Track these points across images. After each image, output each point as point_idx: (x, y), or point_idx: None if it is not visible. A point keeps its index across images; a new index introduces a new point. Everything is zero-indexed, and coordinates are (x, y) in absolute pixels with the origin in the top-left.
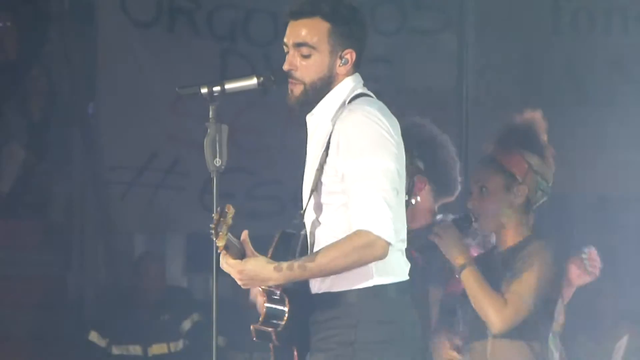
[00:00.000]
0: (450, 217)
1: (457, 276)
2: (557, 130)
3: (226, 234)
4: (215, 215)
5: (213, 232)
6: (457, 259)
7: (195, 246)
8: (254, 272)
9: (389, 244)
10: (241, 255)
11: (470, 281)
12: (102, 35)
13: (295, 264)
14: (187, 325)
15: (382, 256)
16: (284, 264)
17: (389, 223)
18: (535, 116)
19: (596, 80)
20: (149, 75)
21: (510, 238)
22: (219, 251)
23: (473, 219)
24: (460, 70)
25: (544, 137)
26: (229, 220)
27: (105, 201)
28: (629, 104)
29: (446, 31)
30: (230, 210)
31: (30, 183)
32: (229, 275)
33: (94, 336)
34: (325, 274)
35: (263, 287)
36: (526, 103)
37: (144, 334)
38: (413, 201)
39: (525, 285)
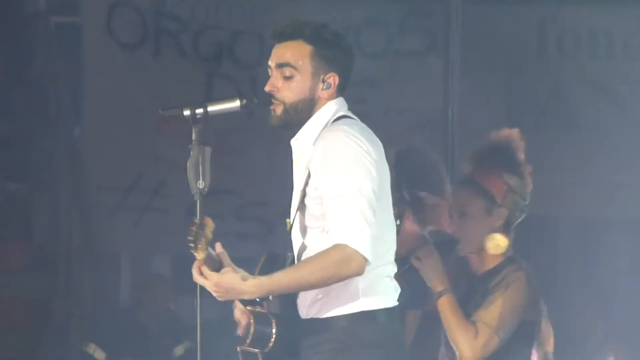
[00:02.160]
0: (427, 246)
1: (434, 302)
2: (542, 152)
3: (205, 248)
4: (193, 227)
5: (192, 244)
6: (436, 286)
7: (181, 268)
8: (230, 284)
9: (366, 259)
10: (218, 267)
11: (446, 309)
12: (88, 56)
13: (273, 277)
14: (179, 351)
15: (359, 272)
16: (261, 278)
17: (366, 238)
18: (513, 134)
19: (582, 102)
20: (135, 96)
21: (490, 261)
22: (198, 265)
23: (456, 243)
24: (446, 92)
25: (522, 155)
26: (209, 234)
27: (91, 223)
28: (615, 126)
29: (432, 53)
30: (209, 224)
31: (16, 204)
32: (214, 298)
33: (91, 348)
34: (302, 287)
35: (249, 308)
36: (512, 125)
37: (134, 357)
38: (398, 222)
39: (496, 315)
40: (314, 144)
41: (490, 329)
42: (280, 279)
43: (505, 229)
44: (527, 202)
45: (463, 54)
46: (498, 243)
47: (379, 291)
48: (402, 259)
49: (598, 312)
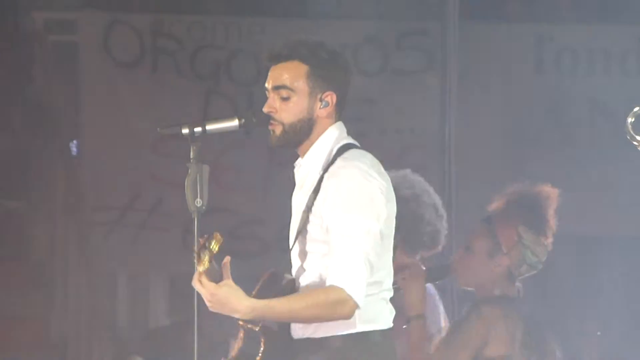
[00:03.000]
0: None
1: (404, 326)
2: (539, 169)
3: (209, 261)
4: (201, 240)
5: (196, 256)
6: (411, 310)
7: (179, 287)
8: (225, 299)
9: (357, 305)
10: (218, 279)
11: (415, 334)
12: (85, 75)
13: (269, 303)
14: None
15: (348, 316)
16: (257, 301)
17: (363, 285)
18: (550, 192)
19: (579, 120)
20: (132, 115)
21: None
22: (199, 277)
23: (450, 272)
24: (443, 110)
25: (550, 215)
26: (215, 248)
27: (88, 241)
28: (612, 143)
29: (429, 71)
30: (218, 238)
31: (13, 222)
32: (212, 318)
33: None
34: (292, 320)
35: (241, 323)
36: (509, 143)
37: None
38: None
39: (450, 351)
40: (319, 170)
41: None
42: (273, 307)
43: (509, 278)
44: (540, 260)
45: (460, 72)
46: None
47: (375, 315)
48: None
49: (594, 330)
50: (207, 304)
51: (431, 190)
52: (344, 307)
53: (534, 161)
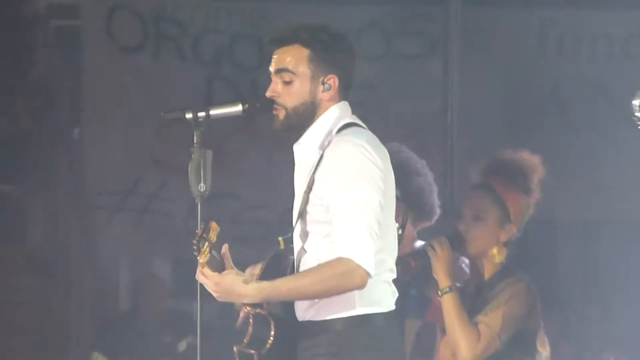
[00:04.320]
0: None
1: (438, 297)
2: (541, 154)
3: (208, 251)
4: (198, 231)
5: (195, 247)
6: (444, 281)
7: (181, 271)
8: (230, 286)
9: (368, 274)
10: (221, 268)
11: (450, 306)
12: (88, 60)
13: (274, 283)
14: (182, 346)
15: (361, 286)
16: (262, 283)
17: (370, 254)
18: (533, 159)
19: (581, 104)
20: (134, 100)
21: (487, 270)
22: (201, 269)
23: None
24: (445, 95)
25: (536, 181)
26: (213, 237)
27: (90, 226)
28: (614, 128)
29: (431, 56)
30: (215, 228)
31: (15, 207)
32: (214, 301)
33: (97, 357)
34: (302, 297)
35: (249, 309)
36: (511, 128)
37: (137, 357)
38: (400, 231)
39: (499, 320)
40: (318, 149)
41: (493, 332)
42: (280, 287)
43: (507, 246)
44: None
45: (462, 57)
46: (496, 253)
47: (376, 297)
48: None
49: (597, 314)
50: (214, 294)
51: (424, 162)
52: (354, 277)
53: (536, 145)
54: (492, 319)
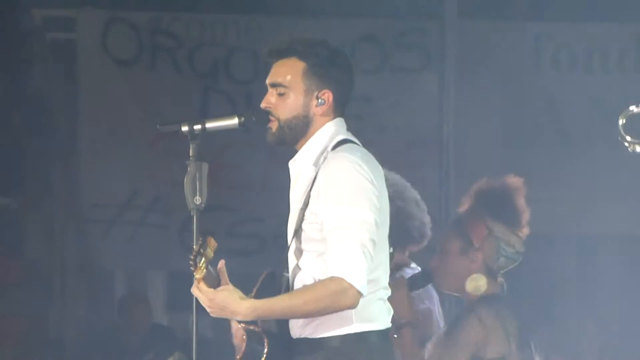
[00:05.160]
0: (409, 272)
1: (395, 335)
2: (536, 167)
3: (204, 267)
4: (195, 247)
5: (191, 263)
6: (402, 317)
7: (177, 284)
8: (224, 302)
9: (360, 293)
10: (216, 284)
11: (407, 341)
12: (84, 73)
13: (268, 302)
14: None
15: (353, 305)
16: (256, 301)
17: (363, 273)
18: (514, 182)
19: (577, 118)
20: (130, 112)
21: (467, 301)
22: (197, 284)
23: (432, 278)
24: (441, 109)
25: (521, 203)
26: (209, 253)
27: (86, 239)
28: (610, 142)
29: (427, 70)
30: (212, 244)
31: (11, 220)
32: (209, 316)
33: None
34: (295, 316)
35: (243, 325)
36: (507, 141)
37: None
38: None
39: (448, 353)
40: (314, 165)
41: None
42: (273, 306)
43: (489, 273)
44: (516, 250)
45: (458, 71)
46: (477, 284)
47: (372, 314)
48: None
49: (592, 328)
50: (207, 309)
51: (409, 185)
52: (346, 297)
53: (531, 159)
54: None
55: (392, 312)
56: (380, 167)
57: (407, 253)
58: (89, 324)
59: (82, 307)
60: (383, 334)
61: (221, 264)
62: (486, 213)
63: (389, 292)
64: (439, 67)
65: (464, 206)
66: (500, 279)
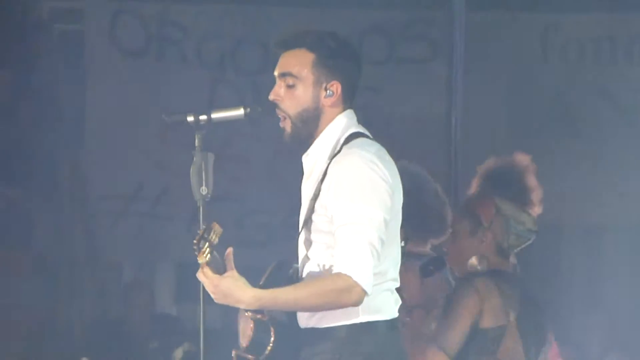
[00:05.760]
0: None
1: (407, 318)
2: (545, 160)
3: (208, 252)
4: (199, 231)
5: (195, 247)
6: (412, 300)
7: (185, 275)
8: (228, 290)
9: (365, 292)
10: (222, 270)
11: (417, 323)
12: (91, 64)
13: (273, 292)
14: (178, 354)
15: (357, 303)
16: (261, 291)
17: (369, 272)
18: (522, 159)
19: (585, 109)
20: (137, 104)
21: None
22: (202, 269)
23: (446, 262)
24: (449, 100)
25: (529, 181)
26: (214, 238)
27: (94, 231)
28: (617, 133)
29: (435, 60)
30: (217, 229)
31: (18, 211)
32: (217, 305)
33: None
34: (298, 308)
35: (250, 313)
36: (515, 132)
37: None
38: (403, 243)
39: (447, 333)
40: (327, 159)
41: (442, 353)
42: (278, 297)
43: (500, 252)
44: (528, 228)
45: (466, 61)
46: (475, 263)
47: (379, 305)
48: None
49: (599, 319)
50: (212, 295)
51: (429, 177)
52: (350, 295)
53: (539, 149)
54: (441, 336)
55: (399, 302)
56: (393, 163)
57: (428, 245)
58: (97, 315)
59: (90, 299)
60: (390, 323)
61: (229, 251)
62: (494, 191)
63: (397, 284)
64: (446, 58)
65: (473, 187)
66: (513, 260)
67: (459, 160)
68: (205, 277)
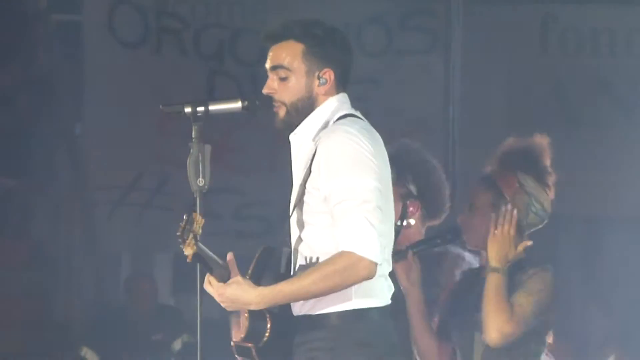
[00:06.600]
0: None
1: (486, 276)
2: None
3: (193, 243)
4: (181, 223)
5: (179, 239)
6: (492, 260)
7: (183, 266)
8: (234, 295)
9: (374, 262)
10: (226, 277)
11: (490, 286)
12: (89, 55)
13: (276, 287)
14: (177, 345)
15: (369, 276)
16: (264, 289)
17: (374, 242)
18: (541, 141)
19: (583, 100)
20: (135, 95)
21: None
22: (187, 260)
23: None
24: (447, 91)
25: (546, 162)
26: (197, 229)
27: (92, 221)
28: (616, 124)
29: (433, 52)
30: (198, 220)
31: (17, 202)
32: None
33: (85, 352)
34: (307, 296)
35: None
36: (513, 123)
37: (133, 355)
38: (405, 223)
39: (531, 306)
40: (313, 139)
41: (525, 316)
42: (283, 290)
43: (517, 231)
44: (545, 209)
45: (464, 52)
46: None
47: (372, 291)
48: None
49: (599, 311)
50: (221, 304)
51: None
52: (358, 269)
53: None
54: (525, 304)
55: (392, 289)
56: (380, 139)
57: (425, 228)
58: (96, 306)
59: (89, 290)
60: (383, 311)
61: (230, 256)
62: (516, 166)
63: (390, 267)
64: (445, 49)
65: (492, 165)
66: (525, 242)
67: (457, 151)
68: (212, 287)
